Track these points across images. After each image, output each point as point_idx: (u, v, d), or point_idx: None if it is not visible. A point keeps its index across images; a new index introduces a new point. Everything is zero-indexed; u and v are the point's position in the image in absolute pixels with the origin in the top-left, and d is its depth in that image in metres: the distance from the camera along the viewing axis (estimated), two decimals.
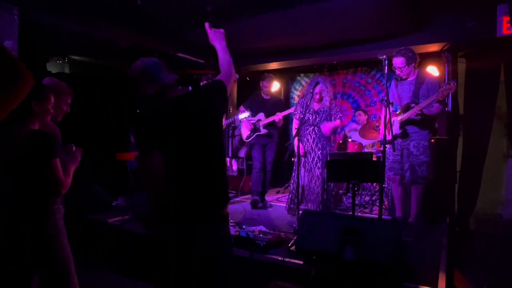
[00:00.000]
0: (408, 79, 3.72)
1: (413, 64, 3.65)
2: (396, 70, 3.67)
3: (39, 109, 1.93)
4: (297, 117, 4.44)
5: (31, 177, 1.90)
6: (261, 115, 4.96)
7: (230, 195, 5.84)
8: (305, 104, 4.17)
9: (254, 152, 5.02)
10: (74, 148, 2.21)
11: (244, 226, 3.27)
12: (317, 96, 4.22)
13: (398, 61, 3.61)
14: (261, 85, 5.03)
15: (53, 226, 2.00)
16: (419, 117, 3.53)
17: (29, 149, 1.86)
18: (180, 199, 1.71)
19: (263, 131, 4.90)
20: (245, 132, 5.04)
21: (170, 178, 1.71)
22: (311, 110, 4.30)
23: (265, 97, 5.06)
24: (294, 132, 4.27)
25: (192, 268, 1.72)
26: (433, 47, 4.89)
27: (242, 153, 6.31)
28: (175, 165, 1.71)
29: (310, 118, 4.28)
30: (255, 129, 4.93)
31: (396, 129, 3.65)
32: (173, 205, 1.71)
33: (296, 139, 3.95)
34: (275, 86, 5.76)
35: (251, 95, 5.28)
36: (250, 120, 4.98)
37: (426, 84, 3.60)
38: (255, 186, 4.98)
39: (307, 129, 4.32)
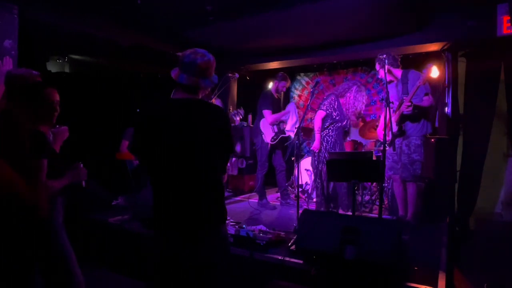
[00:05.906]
0: (395, 81, 3.84)
1: (385, 65, 3.46)
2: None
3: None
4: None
5: None
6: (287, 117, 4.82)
7: (227, 194, 5.88)
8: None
9: (277, 155, 4.95)
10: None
11: (244, 226, 3.27)
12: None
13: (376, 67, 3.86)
14: (277, 85, 4.85)
15: (55, 224, 2.00)
16: (410, 108, 3.54)
17: None
18: (181, 202, 1.72)
19: (287, 133, 4.81)
20: (269, 133, 4.81)
21: (171, 180, 1.72)
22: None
23: (276, 97, 4.92)
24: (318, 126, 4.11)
25: (190, 270, 1.73)
26: (433, 47, 4.89)
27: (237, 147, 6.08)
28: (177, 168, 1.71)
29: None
30: (280, 131, 4.78)
31: (394, 128, 3.68)
32: (173, 207, 1.72)
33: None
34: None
35: (263, 94, 4.94)
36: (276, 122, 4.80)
37: (411, 79, 3.69)
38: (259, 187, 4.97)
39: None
